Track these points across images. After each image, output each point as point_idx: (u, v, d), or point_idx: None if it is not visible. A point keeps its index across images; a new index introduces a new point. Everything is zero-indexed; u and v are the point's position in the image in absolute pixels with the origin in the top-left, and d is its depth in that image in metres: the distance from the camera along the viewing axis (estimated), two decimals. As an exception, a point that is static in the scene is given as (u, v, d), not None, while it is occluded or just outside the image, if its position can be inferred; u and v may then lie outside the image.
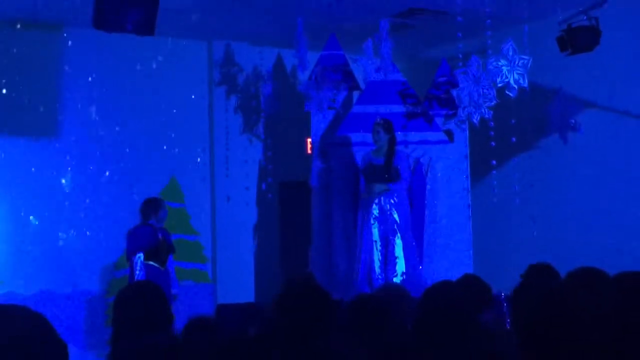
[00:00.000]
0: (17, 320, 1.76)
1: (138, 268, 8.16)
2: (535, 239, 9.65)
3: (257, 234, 10.70)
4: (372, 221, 8.40)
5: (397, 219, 8.38)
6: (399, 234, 8.37)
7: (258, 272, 10.60)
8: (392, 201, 8.39)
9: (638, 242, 8.75)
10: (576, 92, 9.26)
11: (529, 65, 8.46)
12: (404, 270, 8.32)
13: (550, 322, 2.58)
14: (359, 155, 8.95)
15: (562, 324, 2.57)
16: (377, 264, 8.35)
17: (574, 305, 2.62)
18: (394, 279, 8.19)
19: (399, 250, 8.35)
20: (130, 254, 8.32)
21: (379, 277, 8.30)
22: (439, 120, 9.30)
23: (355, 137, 9.18)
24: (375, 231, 8.40)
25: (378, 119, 8.58)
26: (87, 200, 9.72)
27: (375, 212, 8.40)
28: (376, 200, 8.40)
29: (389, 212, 8.38)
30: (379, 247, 8.38)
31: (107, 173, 9.84)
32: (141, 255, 8.23)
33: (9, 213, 9.37)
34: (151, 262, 8.29)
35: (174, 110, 10.33)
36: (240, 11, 9.40)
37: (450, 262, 8.98)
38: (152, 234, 8.37)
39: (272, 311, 3.45)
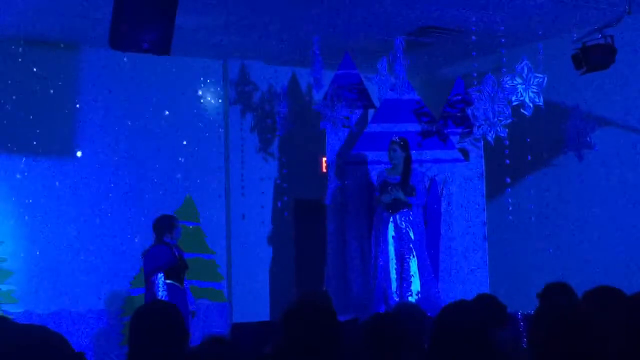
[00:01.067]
0: (38, 341, 1.76)
1: (161, 289, 7.98)
2: (552, 258, 9.59)
3: (272, 252, 10.69)
4: (387, 239, 8.39)
5: (413, 237, 8.36)
6: (414, 253, 8.35)
7: (273, 291, 10.59)
8: (408, 219, 8.38)
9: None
10: (592, 109, 9.23)
11: (544, 84, 8.45)
12: (419, 290, 8.29)
13: (567, 342, 2.57)
14: (374, 173, 8.95)
15: (579, 343, 2.56)
16: (392, 283, 8.33)
17: (591, 325, 2.60)
18: (409, 298, 8.16)
19: (414, 269, 8.33)
20: (149, 274, 8.12)
21: (395, 295, 8.28)
22: (454, 139, 9.28)
23: (370, 155, 9.18)
24: (391, 249, 8.38)
25: (395, 137, 8.57)
26: (103, 219, 9.75)
27: (391, 230, 8.39)
28: (392, 219, 8.39)
29: (404, 231, 8.36)
30: (394, 266, 8.36)
31: (123, 192, 9.88)
32: (162, 275, 8.06)
33: (26, 232, 9.41)
34: (170, 281, 8.16)
35: (190, 129, 10.39)
36: (255, 30, 9.45)
37: (466, 281, 8.95)
38: (169, 252, 8.20)
39: (280, 326, 3.44)
